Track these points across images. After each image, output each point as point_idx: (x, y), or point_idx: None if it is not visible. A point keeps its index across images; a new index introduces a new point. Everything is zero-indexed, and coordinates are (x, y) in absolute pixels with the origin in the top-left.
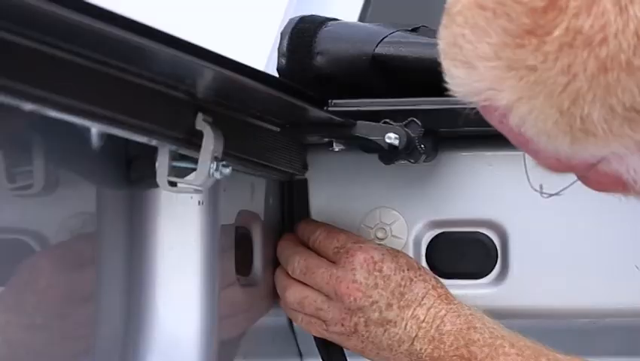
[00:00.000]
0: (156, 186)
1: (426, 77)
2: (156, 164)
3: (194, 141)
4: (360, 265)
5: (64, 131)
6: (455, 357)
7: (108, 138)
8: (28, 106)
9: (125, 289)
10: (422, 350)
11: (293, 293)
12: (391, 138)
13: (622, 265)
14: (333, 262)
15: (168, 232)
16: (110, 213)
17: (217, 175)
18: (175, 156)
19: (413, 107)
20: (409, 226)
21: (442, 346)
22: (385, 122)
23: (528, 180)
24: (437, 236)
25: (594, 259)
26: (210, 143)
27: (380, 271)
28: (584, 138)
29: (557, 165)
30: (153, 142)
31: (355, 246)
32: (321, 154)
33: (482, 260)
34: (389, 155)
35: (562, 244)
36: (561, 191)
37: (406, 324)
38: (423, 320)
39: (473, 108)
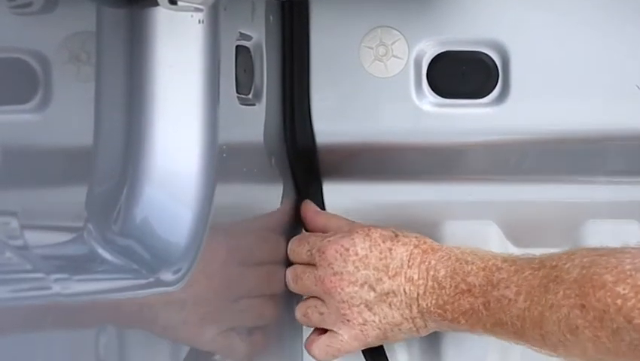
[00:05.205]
0: (157, 4)
1: None
2: None
3: None
4: (334, 258)
5: None
6: (457, 295)
7: None
8: None
9: (125, 108)
10: (428, 305)
11: (298, 309)
12: None
13: (623, 85)
14: (314, 266)
15: (168, 51)
16: (110, 32)
17: None
18: None
19: None
20: (410, 46)
21: (443, 291)
22: None
23: None
24: (438, 56)
25: (595, 79)
26: None
27: (356, 254)
28: None
29: None
30: None
31: (323, 243)
32: None
33: (483, 80)
34: None
35: (563, 65)
36: None
37: (404, 289)
38: (418, 278)
39: None
